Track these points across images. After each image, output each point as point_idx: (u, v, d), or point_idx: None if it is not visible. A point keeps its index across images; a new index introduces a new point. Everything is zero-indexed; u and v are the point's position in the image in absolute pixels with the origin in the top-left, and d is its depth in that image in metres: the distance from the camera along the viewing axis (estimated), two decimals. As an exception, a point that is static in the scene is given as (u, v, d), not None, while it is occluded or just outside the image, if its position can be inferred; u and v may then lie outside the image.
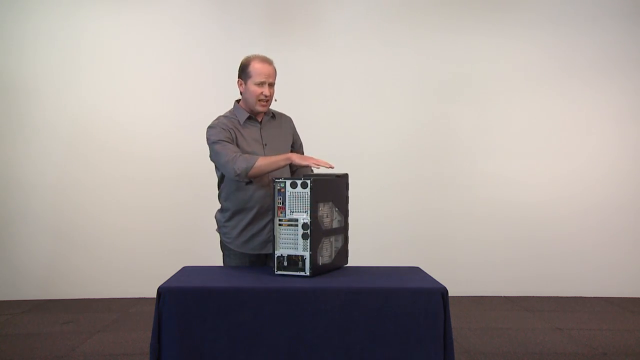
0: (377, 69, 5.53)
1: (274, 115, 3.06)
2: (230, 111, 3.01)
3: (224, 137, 2.85)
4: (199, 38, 5.49)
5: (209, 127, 2.92)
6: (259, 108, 2.93)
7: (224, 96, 5.17)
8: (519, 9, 5.55)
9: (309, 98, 5.37)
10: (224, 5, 5.53)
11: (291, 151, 3.05)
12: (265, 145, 2.95)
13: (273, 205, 2.59)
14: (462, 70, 5.54)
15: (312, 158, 2.72)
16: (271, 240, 2.89)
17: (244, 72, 2.92)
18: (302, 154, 3.06)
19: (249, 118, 2.97)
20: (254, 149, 2.92)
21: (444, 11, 5.55)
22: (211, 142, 2.87)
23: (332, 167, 2.67)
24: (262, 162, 2.74)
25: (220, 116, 2.98)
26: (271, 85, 2.92)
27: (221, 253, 3.08)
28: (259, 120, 2.99)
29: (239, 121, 2.95)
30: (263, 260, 3.02)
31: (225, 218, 3.00)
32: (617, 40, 5.55)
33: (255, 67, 2.89)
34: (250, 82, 2.90)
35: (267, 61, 2.92)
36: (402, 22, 5.54)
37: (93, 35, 5.42)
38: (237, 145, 2.89)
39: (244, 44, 5.41)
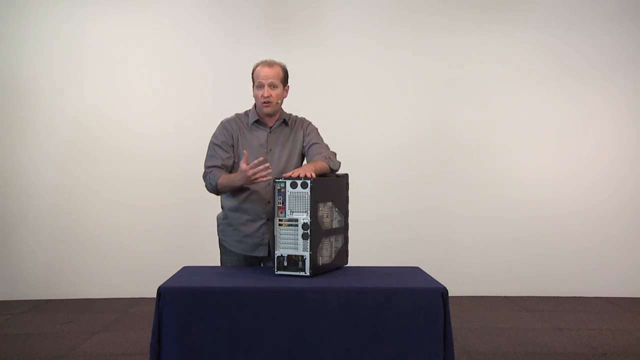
0: (377, 69, 5.53)
1: (286, 122, 3.05)
2: (247, 110, 3.09)
3: (220, 141, 2.98)
4: (199, 38, 5.49)
5: (219, 124, 3.04)
6: (263, 109, 2.97)
7: (224, 96, 5.24)
8: (519, 9, 5.55)
9: (309, 98, 5.34)
10: (223, 5, 5.53)
11: (304, 154, 3.07)
12: (270, 150, 2.99)
13: (273, 205, 2.59)
14: (462, 70, 5.54)
15: (251, 172, 2.71)
16: (263, 244, 2.95)
17: (252, 77, 3.00)
18: (321, 154, 2.96)
19: (259, 122, 3.01)
20: (256, 152, 2.96)
21: (443, 11, 5.54)
22: (209, 142, 3.02)
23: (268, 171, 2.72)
24: (222, 181, 2.88)
25: (236, 113, 3.09)
26: (272, 86, 2.93)
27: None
28: (270, 125, 3.02)
29: (248, 123, 3.02)
30: (257, 262, 3.05)
31: (223, 216, 3.07)
32: (616, 40, 5.55)
33: (256, 71, 2.97)
34: (254, 87, 2.98)
35: (267, 64, 2.96)
36: (402, 22, 5.54)
37: (93, 35, 5.42)
38: (238, 147, 2.97)
39: (243, 44, 5.44)
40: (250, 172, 2.71)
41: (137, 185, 5.43)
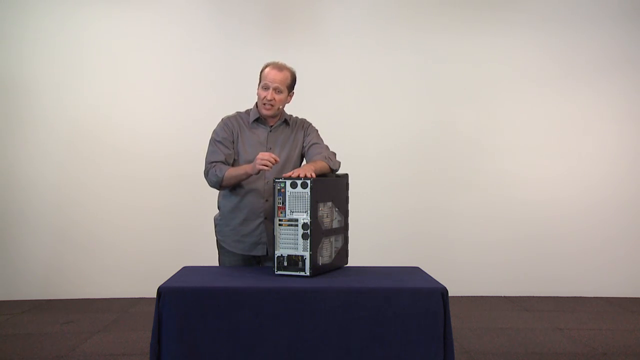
0: (377, 70, 5.53)
1: (287, 122, 3.06)
2: (247, 109, 3.09)
3: (221, 137, 2.98)
4: (198, 38, 5.49)
5: (220, 121, 3.05)
6: (263, 111, 2.98)
7: (224, 96, 5.24)
8: (519, 10, 5.55)
9: (309, 98, 5.30)
10: (223, 5, 5.53)
11: (304, 155, 3.07)
12: (269, 149, 2.99)
13: (273, 205, 2.59)
14: (462, 71, 5.54)
15: (262, 164, 2.73)
16: (261, 242, 2.95)
17: (259, 76, 3.00)
18: (321, 154, 2.97)
19: (259, 120, 3.02)
20: (256, 150, 2.95)
21: (443, 11, 5.54)
22: (210, 139, 3.02)
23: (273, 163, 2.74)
24: (229, 175, 2.88)
25: (236, 112, 3.09)
26: (277, 90, 2.93)
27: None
28: (271, 124, 3.03)
29: (248, 121, 3.03)
30: (255, 262, 3.05)
31: (220, 216, 3.07)
32: (616, 40, 5.55)
33: (264, 72, 2.97)
34: (259, 86, 2.98)
35: (277, 67, 2.96)
36: (402, 22, 5.54)
37: (93, 35, 5.42)
38: (237, 144, 2.97)
39: (243, 44, 5.44)
40: (259, 156, 2.71)
41: (137, 185, 5.43)
